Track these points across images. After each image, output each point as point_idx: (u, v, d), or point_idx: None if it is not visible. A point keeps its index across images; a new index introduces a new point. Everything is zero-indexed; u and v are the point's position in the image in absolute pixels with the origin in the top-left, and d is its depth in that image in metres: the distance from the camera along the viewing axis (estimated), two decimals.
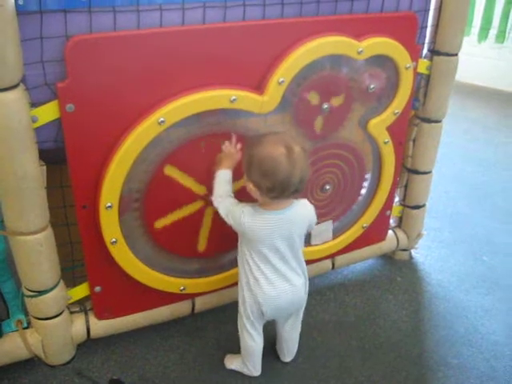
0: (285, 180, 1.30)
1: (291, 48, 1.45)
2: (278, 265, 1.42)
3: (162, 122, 1.36)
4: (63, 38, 1.24)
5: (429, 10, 1.67)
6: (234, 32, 1.40)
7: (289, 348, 1.63)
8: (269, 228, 1.38)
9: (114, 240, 1.46)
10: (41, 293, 1.46)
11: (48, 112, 1.29)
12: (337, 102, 1.60)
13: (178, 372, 1.62)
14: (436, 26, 1.70)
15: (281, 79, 1.45)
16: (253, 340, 1.51)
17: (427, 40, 1.74)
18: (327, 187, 1.73)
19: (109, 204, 1.40)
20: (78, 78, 1.27)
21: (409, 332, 1.78)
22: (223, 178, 1.48)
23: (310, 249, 1.82)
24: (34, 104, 1.28)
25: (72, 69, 1.25)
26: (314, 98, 1.57)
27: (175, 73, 1.36)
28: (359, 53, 1.54)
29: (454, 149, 3.13)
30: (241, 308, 1.50)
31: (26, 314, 1.54)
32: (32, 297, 1.46)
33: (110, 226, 1.44)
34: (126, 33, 1.29)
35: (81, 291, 1.57)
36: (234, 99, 1.42)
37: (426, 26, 1.70)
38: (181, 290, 1.64)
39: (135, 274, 1.54)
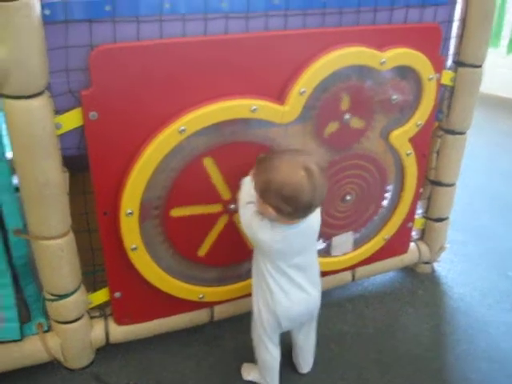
0: (307, 203, 1.28)
1: (313, 58, 1.45)
2: (294, 276, 1.40)
3: (183, 130, 1.37)
4: (88, 47, 1.27)
5: (453, 21, 1.66)
6: (255, 42, 1.41)
7: (304, 358, 1.61)
8: (286, 242, 1.36)
9: (134, 246, 1.47)
10: (61, 297, 1.48)
11: (72, 119, 1.32)
12: (359, 112, 1.60)
13: (194, 380, 1.62)
14: (460, 38, 1.68)
15: (302, 89, 1.45)
16: (270, 354, 1.50)
17: (451, 51, 1.72)
18: (348, 198, 1.72)
19: (129, 211, 1.42)
20: (101, 87, 1.29)
21: (429, 346, 1.75)
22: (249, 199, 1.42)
23: (329, 260, 1.81)
24: (58, 111, 1.31)
25: (96, 77, 1.28)
26: (335, 109, 1.56)
27: (196, 82, 1.37)
28: (382, 63, 1.53)
29: (480, 161, 3.07)
30: (257, 321, 1.48)
31: (47, 317, 1.56)
32: (53, 300, 1.49)
33: (131, 233, 1.46)
34: (148, 42, 1.31)
35: (101, 296, 1.59)
36: (255, 109, 1.43)
37: (450, 38, 1.69)
38: (200, 298, 1.64)
39: (155, 280, 1.55)
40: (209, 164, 1.49)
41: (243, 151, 1.50)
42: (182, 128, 1.37)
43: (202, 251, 1.60)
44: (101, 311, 1.64)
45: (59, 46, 1.25)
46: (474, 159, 2.96)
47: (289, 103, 1.47)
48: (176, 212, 1.52)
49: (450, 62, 1.74)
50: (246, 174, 1.46)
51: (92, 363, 1.65)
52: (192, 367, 1.66)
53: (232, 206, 1.56)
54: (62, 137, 1.33)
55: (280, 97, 1.47)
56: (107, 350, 1.67)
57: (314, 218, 1.42)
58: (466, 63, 1.70)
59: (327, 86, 1.52)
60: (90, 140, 1.34)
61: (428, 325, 1.84)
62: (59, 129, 1.31)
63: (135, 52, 1.29)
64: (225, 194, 1.55)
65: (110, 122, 1.33)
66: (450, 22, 1.65)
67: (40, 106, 1.22)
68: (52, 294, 1.48)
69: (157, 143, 1.37)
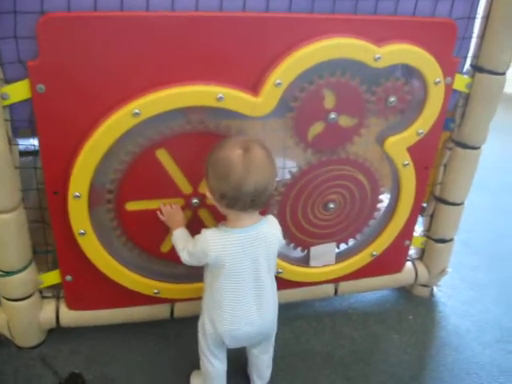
0: (237, 185, 1.16)
1: (293, 48, 1.29)
2: (245, 291, 1.26)
3: (137, 114, 1.25)
4: (39, 14, 1.17)
5: (474, 18, 1.43)
6: (230, 23, 1.26)
7: (259, 372, 1.47)
8: (233, 247, 1.23)
9: (82, 231, 1.38)
10: (8, 273, 1.42)
11: (19, 91, 1.23)
12: (346, 113, 1.42)
13: (141, 376, 1.53)
14: (481, 38, 1.45)
15: (277, 81, 1.30)
16: (213, 366, 1.38)
17: (471, 53, 1.50)
18: (331, 206, 1.55)
19: (77, 194, 1.32)
20: (49, 58, 1.19)
21: (405, 380, 1.57)
22: (180, 236, 1.36)
23: (308, 270, 1.65)
24: (8, 81, 1.23)
25: (44, 47, 1.18)
26: (319, 105, 1.39)
27: (157, 62, 1.25)
28: (376, 59, 1.34)
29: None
30: (200, 332, 1.36)
31: None
32: (0, 276, 1.44)
33: (79, 217, 1.36)
34: (105, 14, 1.19)
35: (53, 277, 1.52)
36: (221, 97, 1.28)
37: (470, 37, 1.46)
38: (155, 293, 1.54)
39: (105, 268, 1.46)
40: (163, 155, 1.37)
41: (207, 142, 1.35)
42: (136, 111, 1.25)
43: (166, 247, 1.50)
44: (54, 292, 1.57)
45: (7, 11, 1.16)
46: (505, 173, 2.68)
47: (262, 95, 1.31)
48: (131, 206, 1.42)
49: (467, 66, 1.52)
50: None
51: (42, 343, 1.60)
52: (143, 364, 1.56)
53: (195, 201, 1.44)
54: (12, 108, 1.26)
55: (255, 87, 1.32)
56: (61, 333, 1.61)
57: (272, 226, 1.29)
58: (485, 68, 1.46)
59: (311, 80, 1.35)
60: (37, 114, 1.25)
61: (409, 356, 1.65)
62: (6, 99, 1.23)
63: (88, 23, 1.18)
64: (185, 187, 1.43)
65: (58, 96, 1.23)
66: (470, 18, 1.43)
67: None
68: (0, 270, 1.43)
69: (107, 125, 1.26)
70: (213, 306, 1.29)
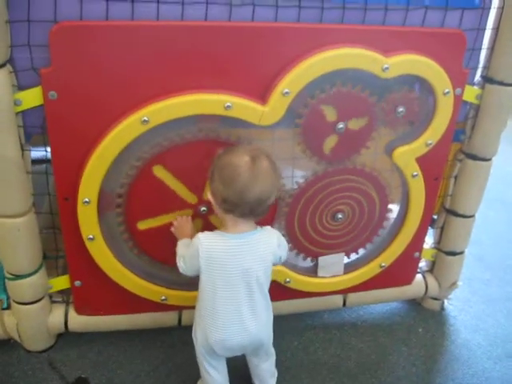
0: (241, 192, 1.17)
1: (301, 57, 1.30)
2: (236, 299, 1.26)
3: (145, 121, 1.27)
4: (52, 23, 1.20)
5: (484, 29, 1.43)
6: (239, 33, 1.28)
7: (261, 381, 1.47)
8: (223, 251, 1.24)
9: (91, 237, 1.40)
10: (18, 277, 1.44)
11: (32, 97, 1.26)
12: (355, 123, 1.42)
13: (147, 383, 1.53)
14: (492, 50, 1.45)
15: (285, 90, 1.30)
16: (209, 375, 1.38)
17: (481, 65, 1.49)
18: (340, 216, 1.55)
19: (86, 199, 1.34)
20: (61, 66, 1.22)
21: None
22: (181, 244, 1.37)
23: (316, 280, 1.65)
24: (22, 88, 1.26)
25: (56, 55, 1.21)
26: (328, 116, 1.40)
27: (167, 71, 1.27)
28: (384, 70, 1.34)
29: None
30: (194, 341, 1.36)
31: (8, 295, 1.53)
32: (10, 279, 1.46)
33: (88, 222, 1.38)
34: (116, 23, 1.22)
35: (62, 282, 1.54)
36: (229, 106, 1.30)
37: (480, 48, 1.46)
38: (162, 300, 1.55)
39: (112, 273, 1.48)
40: (161, 171, 1.38)
41: (210, 151, 1.36)
42: (145, 118, 1.27)
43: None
44: (64, 297, 1.59)
45: (21, 19, 1.19)
46: None
47: (270, 104, 1.32)
48: (143, 225, 1.45)
49: (477, 77, 1.51)
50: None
51: (51, 347, 1.61)
52: (148, 371, 1.57)
53: (203, 209, 1.45)
54: (25, 114, 1.29)
55: (263, 96, 1.33)
56: (70, 337, 1.63)
57: (268, 237, 1.29)
58: (495, 80, 1.45)
59: (320, 89, 1.35)
60: (49, 120, 1.28)
61: (418, 369, 1.63)
62: (19, 105, 1.26)
63: (99, 32, 1.21)
64: (190, 198, 1.44)
65: (70, 103, 1.26)
66: (479, 29, 1.42)
67: None
68: (9, 273, 1.45)
69: (116, 132, 1.28)
70: (204, 313, 1.29)
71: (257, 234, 1.26)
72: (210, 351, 1.32)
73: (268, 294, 1.32)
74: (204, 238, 1.25)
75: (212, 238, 1.25)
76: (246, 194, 1.17)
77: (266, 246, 1.27)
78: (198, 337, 1.32)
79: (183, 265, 1.31)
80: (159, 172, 1.39)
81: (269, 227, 1.32)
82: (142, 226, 1.45)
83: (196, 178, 1.42)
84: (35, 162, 1.41)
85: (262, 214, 1.24)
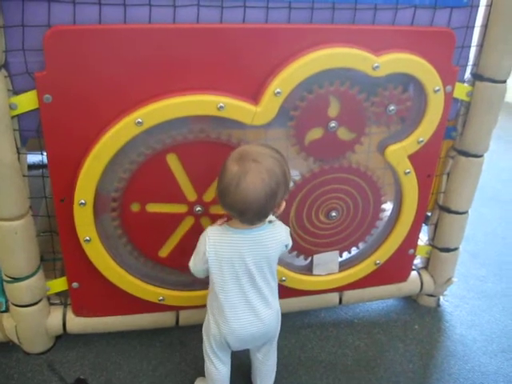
0: (230, 201, 1.20)
1: (292, 57, 1.32)
2: (245, 291, 1.28)
3: (139, 123, 1.29)
4: (46, 27, 1.22)
5: (473, 26, 1.45)
6: (230, 35, 1.30)
7: (262, 379, 1.48)
8: (234, 247, 1.25)
9: (87, 238, 1.41)
10: (16, 280, 1.46)
11: (27, 101, 1.27)
12: (347, 121, 1.44)
13: (146, 383, 1.55)
14: (481, 47, 1.47)
15: (277, 90, 1.32)
16: (216, 369, 1.39)
17: (471, 62, 1.51)
18: (334, 214, 1.56)
19: (82, 201, 1.36)
20: (56, 69, 1.23)
21: None
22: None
23: (311, 278, 1.66)
24: (17, 92, 1.27)
25: (50, 59, 1.22)
26: (319, 114, 1.41)
27: (160, 73, 1.28)
28: (374, 68, 1.36)
29: None
30: (204, 333, 1.38)
31: (7, 297, 1.55)
32: (8, 282, 1.47)
33: (84, 224, 1.40)
34: (109, 27, 1.24)
35: (60, 284, 1.55)
36: (222, 107, 1.31)
37: (470, 46, 1.48)
38: (159, 300, 1.56)
39: (110, 275, 1.49)
40: (173, 161, 1.40)
41: (214, 151, 1.40)
42: (139, 120, 1.29)
43: (164, 252, 1.52)
44: (61, 299, 1.60)
45: (15, 24, 1.21)
46: None
47: (262, 104, 1.34)
48: (136, 207, 1.44)
49: (467, 75, 1.53)
50: (215, 175, 1.34)
51: (50, 350, 1.62)
52: (147, 371, 1.58)
53: (198, 209, 1.46)
54: (21, 118, 1.31)
55: (255, 96, 1.35)
56: (68, 339, 1.64)
57: (278, 229, 1.31)
58: (485, 76, 1.47)
59: (311, 89, 1.37)
60: (44, 123, 1.29)
61: (414, 365, 1.64)
62: (15, 109, 1.27)
63: (93, 36, 1.23)
64: (190, 194, 1.45)
65: (64, 106, 1.27)
66: (468, 27, 1.44)
67: None
68: (7, 276, 1.46)
69: (111, 134, 1.29)
70: (216, 307, 1.31)
71: (265, 230, 1.27)
72: (220, 344, 1.34)
73: (276, 288, 1.35)
74: (211, 231, 1.28)
75: (219, 231, 1.28)
76: (234, 204, 1.19)
77: (273, 240, 1.28)
78: (212, 329, 1.33)
79: (192, 264, 1.32)
80: (172, 161, 1.40)
81: (278, 222, 1.33)
82: (135, 208, 1.44)
83: (196, 177, 1.43)
84: (32, 167, 1.43)
85: (264, 216, 1.24)
